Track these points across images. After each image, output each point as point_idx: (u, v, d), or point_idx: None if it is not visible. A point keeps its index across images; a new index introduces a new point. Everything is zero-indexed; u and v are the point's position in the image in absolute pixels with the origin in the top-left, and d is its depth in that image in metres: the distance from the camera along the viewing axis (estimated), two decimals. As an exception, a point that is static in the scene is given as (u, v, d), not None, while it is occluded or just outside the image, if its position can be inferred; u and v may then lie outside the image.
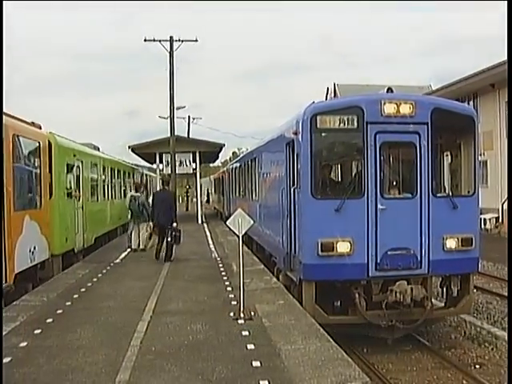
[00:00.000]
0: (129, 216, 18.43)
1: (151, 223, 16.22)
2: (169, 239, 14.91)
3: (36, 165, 12.59)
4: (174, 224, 14.94)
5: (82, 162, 16.79)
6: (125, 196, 23.63)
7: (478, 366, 9.13)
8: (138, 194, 17.76)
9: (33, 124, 12.88)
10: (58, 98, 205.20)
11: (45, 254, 12.76)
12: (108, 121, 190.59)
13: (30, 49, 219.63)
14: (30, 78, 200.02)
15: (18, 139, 11.14)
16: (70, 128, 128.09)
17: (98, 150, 21.63)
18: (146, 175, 36.99)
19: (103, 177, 20.71)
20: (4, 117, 10.33)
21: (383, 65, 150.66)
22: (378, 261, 9.33)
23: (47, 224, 12.96)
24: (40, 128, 13.31)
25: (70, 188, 15.34)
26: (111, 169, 22.71)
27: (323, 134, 10.00)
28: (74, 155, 15.97)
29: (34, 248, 11.85)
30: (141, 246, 17.28)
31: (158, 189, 17.47)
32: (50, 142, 13.54)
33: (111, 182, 22.61)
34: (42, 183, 12.74)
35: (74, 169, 15.86)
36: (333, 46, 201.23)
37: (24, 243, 11.08)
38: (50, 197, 13.44)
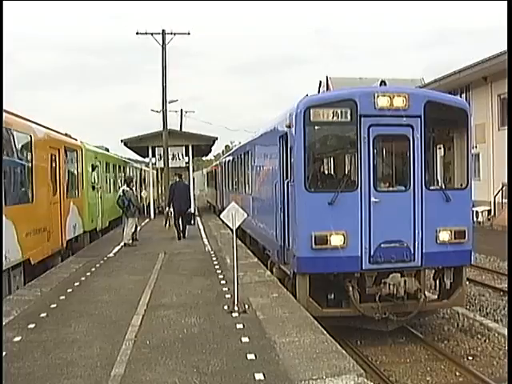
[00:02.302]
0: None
1: (171, 210, 18.97)
2: (192, 222, 19.36)
3: (74, 166, 17.43)
4: (191, 209, 18.82)
5: (100, 161, 21.63)
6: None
7: (470, 358, 9.18)
8: (127, 188, 17.84)
9: (66, 135, 17.07)
10: (53, 92, 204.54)
11: (80, 230, 17.51)
12: (105, 114, 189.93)
13: (24, 42, 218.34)
14: (24, 71, 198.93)
15: (66, 149, 15.93)
16: (65, 121, 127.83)
17: (108, 150, 26.22)
18: (144, 171, 37.38)
19: (112, 172, 25.31)
20: (56, 133, 15.38)
21: (376, 58, 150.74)
22: (372, 253, 9.36)
23: (82, 208, 17.69)
24: (73, 138, 17.84)
25: (94, 182, 20.18)
26: (119, 166, 27.58)
27: (316, 127, 10.01)
28: (96, 157, 20.95)
29: (75, 225, 16.65)
30: (124, 241, 17.21)
31: (174, 181, 20.23)
32: (81, 149, 18.24)
33: (117, 176, 26.80)
34: (78, 179, 17.70)
35: (95, 167, 20.55)
36: (327, 39, 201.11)
37: (70, 220, 15.92)
38: (82, 189, 18.07)
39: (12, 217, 10.63)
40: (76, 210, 16.73)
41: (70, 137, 17.52)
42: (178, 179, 19.50)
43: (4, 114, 10.68)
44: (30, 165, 12.12)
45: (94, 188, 19.99)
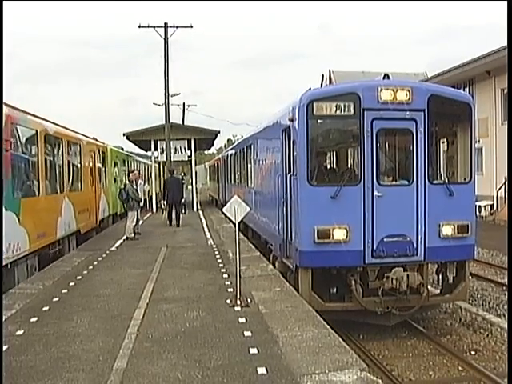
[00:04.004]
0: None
1: (164, 201, 22.16)
2: (183, 211, 22.93)
3: (102, 163, 22.20)
4: (183, 200, 22.07)
5: (119, 159, 26.78)
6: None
7: (473, 352, 9.18)
8: (127, 182, 17.95)
9: (93, 139, 21.12)
10: (53, 86, 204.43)
11: (107, 213, 22.64)
12: (107, 108, 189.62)
13: (24, 36, 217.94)
14: (24, 65, 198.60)
15: (99, 151, 21.13)
16: (68, 116, 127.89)
17: (122, 149, 31.61)
18: (150, 166, 37.55)
19: (126, 167, 29.32)
20: (91, 139, 20.16)
21: (378, 53, 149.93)
22: (375, 248, 9.33)
23: (108, 196, 22.67)
24: (100, 141, 22.20)
25: (115, 175, 25.28)
26: (132, 162, 31.85)
27: (319, 121, 9.98)
28: (116, 156, 26.19)
29: (104, 209, 21.80)
30: (126, 235, 17.22)
31: (167, 176, 24.22)
32: (107, 149, 23.33)
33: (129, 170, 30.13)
34: (105, 173, 22.64)
35: (116, 164, 25.73)
36: (330, 34, 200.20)
37: (102, 204, 21.22)
38: (108, 181, 23.02)
39: (72, 200, 15.80)
40: (104, 197, 21.95)
41: (97, 140, 21.73)
42: (170, 175, 22.66)
43: (62, 130, 15.34)
44: (79, 165, 17.59)
45: (115, 180, 25.03)
